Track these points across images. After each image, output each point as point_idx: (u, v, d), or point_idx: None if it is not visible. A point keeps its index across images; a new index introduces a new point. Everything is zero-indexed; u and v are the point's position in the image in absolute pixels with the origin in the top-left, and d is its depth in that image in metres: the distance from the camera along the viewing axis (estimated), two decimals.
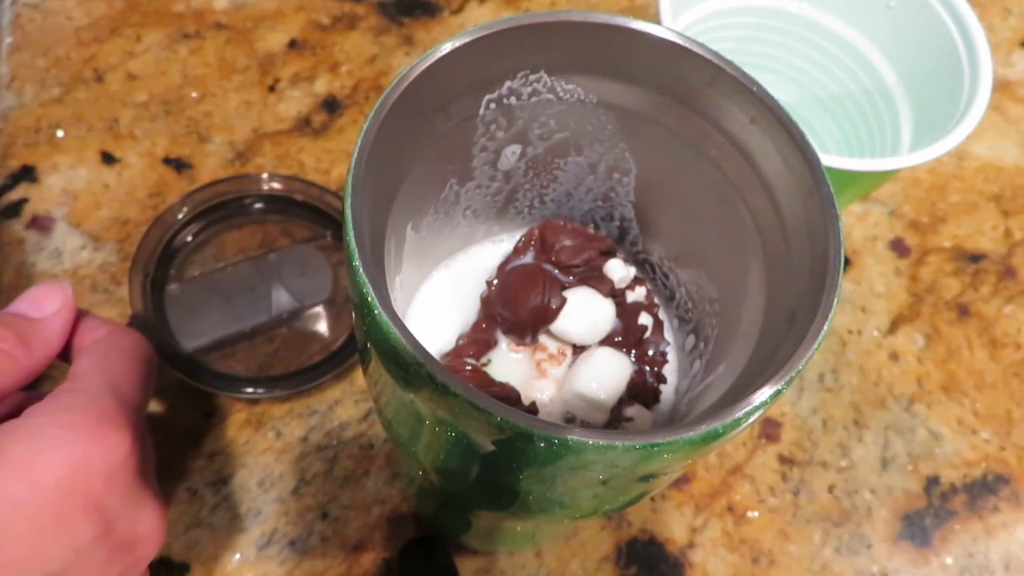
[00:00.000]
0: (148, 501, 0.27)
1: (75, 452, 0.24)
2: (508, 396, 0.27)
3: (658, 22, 0.27)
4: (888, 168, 0.35)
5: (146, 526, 0.27)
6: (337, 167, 0.48)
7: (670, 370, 0.30)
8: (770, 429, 0.43)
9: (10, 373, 0.26)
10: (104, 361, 0.27)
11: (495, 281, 0.30)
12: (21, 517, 0.23)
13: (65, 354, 0.29)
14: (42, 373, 0.28)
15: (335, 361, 0.40)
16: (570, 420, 0.28)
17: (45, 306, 0.28)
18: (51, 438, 0.24)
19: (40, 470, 0.23)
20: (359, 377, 0.41)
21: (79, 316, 0.29)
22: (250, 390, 0.39)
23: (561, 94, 0.26)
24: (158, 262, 0.41)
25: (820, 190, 0.22)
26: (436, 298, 0.31)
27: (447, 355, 0.29)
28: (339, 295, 0.42)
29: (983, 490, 0.43)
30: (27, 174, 0.46)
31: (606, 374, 0.28)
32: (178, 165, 0.47)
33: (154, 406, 0.40)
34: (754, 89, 0.23)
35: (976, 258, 0.50)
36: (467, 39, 0.23)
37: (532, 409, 0.27)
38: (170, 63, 0.51)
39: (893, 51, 0.42)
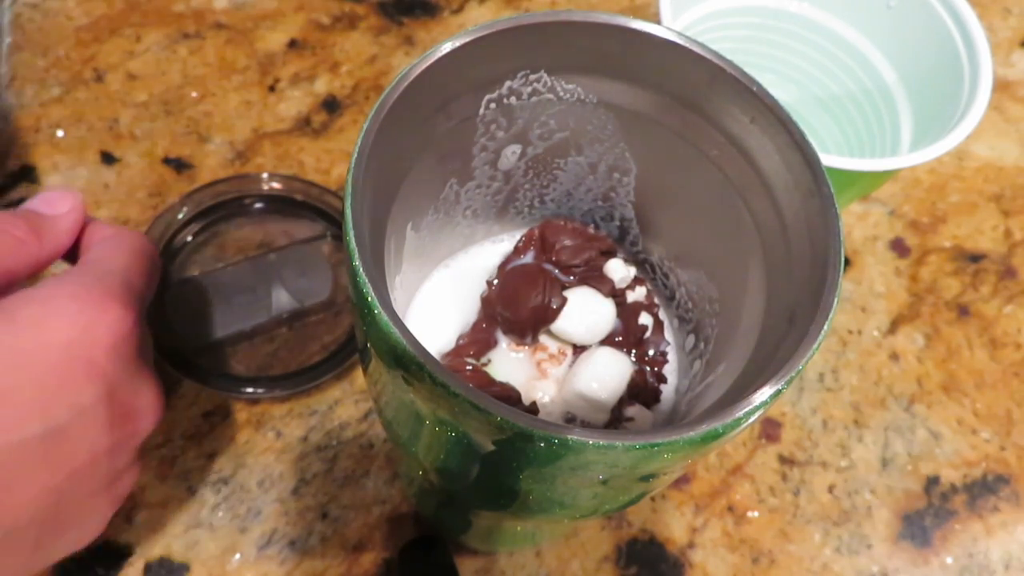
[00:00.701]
0: (147, 379, 0.28)
1: (81, 319, 0.25)
2: (508, 396, 0.27)
3: (658, 22, 0.27)
4: (888, 168, 0.35)
5: (144, 401, 0.28)
6: (337, 167, 0.48)
7: (670, 370, 0.30)
8: (770, 429, 0.43)
9: (21, 258, 0.28)
10: (111, 252, 0.29)
11: (495, 281, 0.30)
12: (29, 372, 0.24)
13: (73, 256, 0.30)
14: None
15: (335, 361, 0.40)
16: (570, 420, 0.28)
17: (57, 206, 0.30)
18: (59, 306, 0.25)
19: (48, 332, 0.25)
20: (359, 377, 0.41)
21: (88, 222, 0.31)
22: (250, 390, 0.39)
23: (561, 94, 0.26)
24: None
25: (820, 190, 0.22)
26: (436, 298, 0.31)
27: (447, 355, 0.29)
28: (339, 295, 0.42)
29: (983, 490, 0.43)
30: (27, 174, 0.46)
31: (607, 374, 0.28)
32: (178, 165, 0.47)
33: None
34: (754, 89, 0.23)
35: (976, 258, 0.50)
36: (467, 39, 0.23)
37: (532, 409, 0.27)
38: (170, 63, 0.51)
39: (893, 51, 0.43)
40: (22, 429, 0.24)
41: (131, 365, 0.27)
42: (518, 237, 0.31)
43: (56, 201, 0.30)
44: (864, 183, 0.38)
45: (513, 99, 0.26)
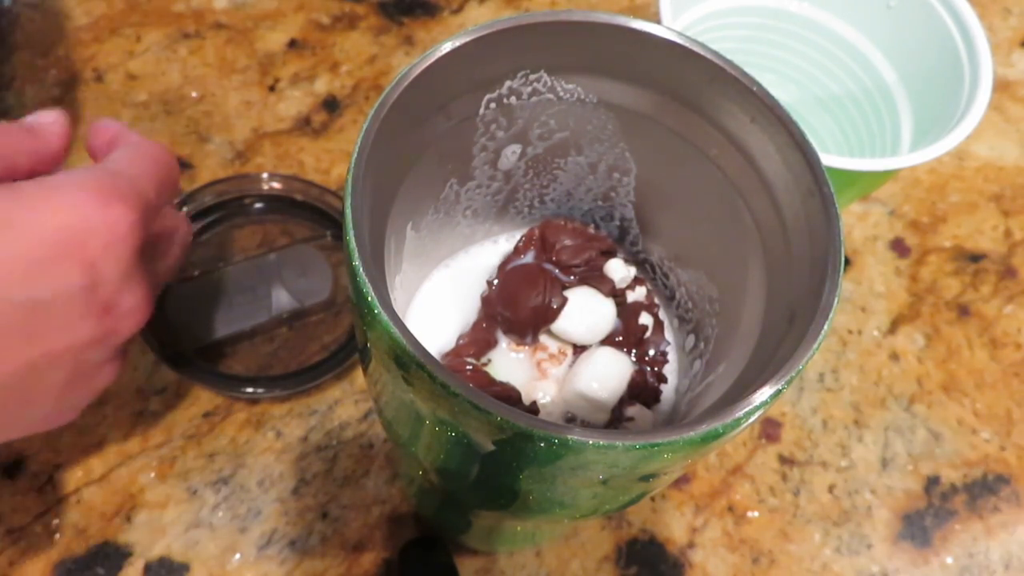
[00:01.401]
0: (139, 282, 0.28)
1: (83, 209, 0.26)
2: (509, 396, 0.27)
3: (658, 22, 0.27)
4: (888, 168, 0.35)
5: (131, 302, 0.28)
6: (337, 167, 0.48)
7: (670, 370, 0.30)
8: (770, 429, 0.43)
9: (15, 151, 0.28)
10: (130, 156, 0.29)
11: (495, 281, 0.30)
12: (20, 242, 0.25)
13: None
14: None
15: (335, 361, 0.40)
16: (571, 420, 0.28)
17: (42, 117, 0.30)
18: (65, 192, 0.26)
19: (47, 212, 0.25)
20: (359, 377, 0.41)
21: (115, 128, 0.32)
22: (250, 390, 0.39)
23: (561, 94, 0.26)
24: None
25: (820, 190, 0.22)
26: (436, 298, 0.31)
27: (447, 355, 0.29)
28: (339, 295, 0.42)
29: (983, 490, 0.43)
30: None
31: (607, 374, 0.28)
32: (178, 165, 0.47)
33: (154, 406, 0.40)
34: (754, 89, 0.23)
35: (976, 258, 0.50)
36: (467, 39, 0.23)
37: (533, 409, 0.27)
38: (170, 63, 0.51)
39: (893, 51, 0.42)
40: (4, 290, 0.24)
41: (123, 265, 0.27)
42: (518, 237, 0.31)
43: (42, 115, 0.30)
44: (864, 183, 0.38)
45: (513, 99, 0.26)
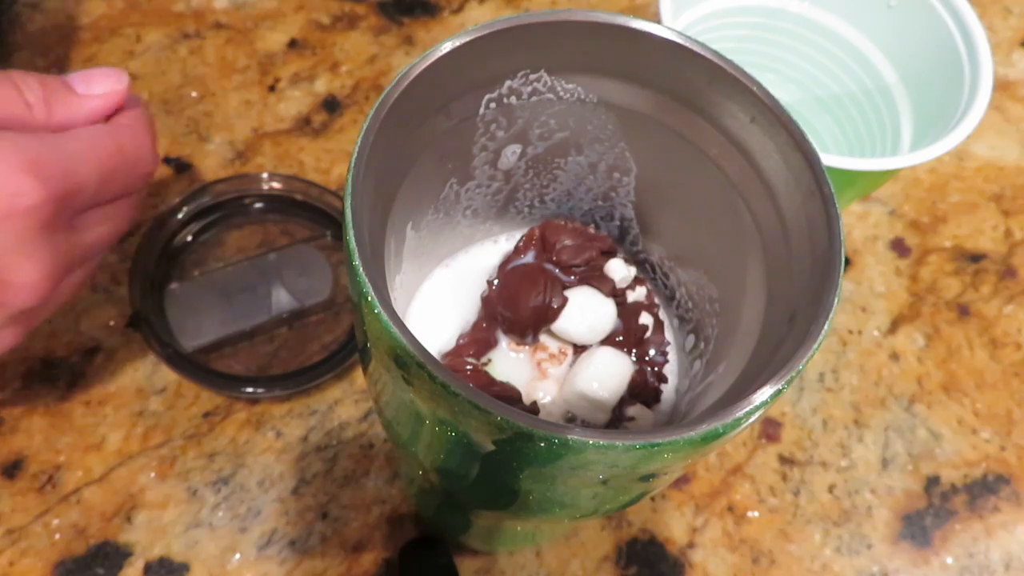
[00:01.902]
0: (41, 260, 0.27)
1: None
2: (509, 396, 0.27)
3: (658, 21, 0.27)
4: (888, 168, 0.35)
5: (25, 278, 0.27)
6: (337, 167, 0.48)
7: (671, 370, 0.30)
8: (770, 429, 0.43)
9: (20, 125, 0.27)
10: (87, 138, 0.28)
11: (496, 281, 0.30)
12: None
13: None
14: None
15: (335, 361, 0.40)
16: (571, 420, 0.28)
17: (94, 85, 0.29)
18: None
19: None
20: (359, 377, 0.41)
21: (117, 96, 0.30)
22: (250, 390, 0.39)
23: (561, 93, 0.26)
24: (158, 262, 0.41)
25: (821, 190, 0.22)
26: (436, 298, 0.31)
27: (447, 355, 0.29)
28: (339, 295, 0.42)
29: (983, 490, 0.43)
30: None
31: (608, 373, 0.28)
32: (178, 165, 0.47)
33: (155, 405, 0.40)
34: (754, 89, 0.23)
35: (976, 258, 0.50)
36: (467, 38, 0.23)
37: (533, 409, 0.27)
38: (170, 63, 0.51)
39: (893, 51, 0.42)
40: None
41: (23, 240, 0.26)
42: (518, 237, 0.31)
43: (95, 80, 0.29)
44: (864, 183, 0.38)
45: (513, 99, 0.26)
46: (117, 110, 0.31)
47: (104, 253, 0.32)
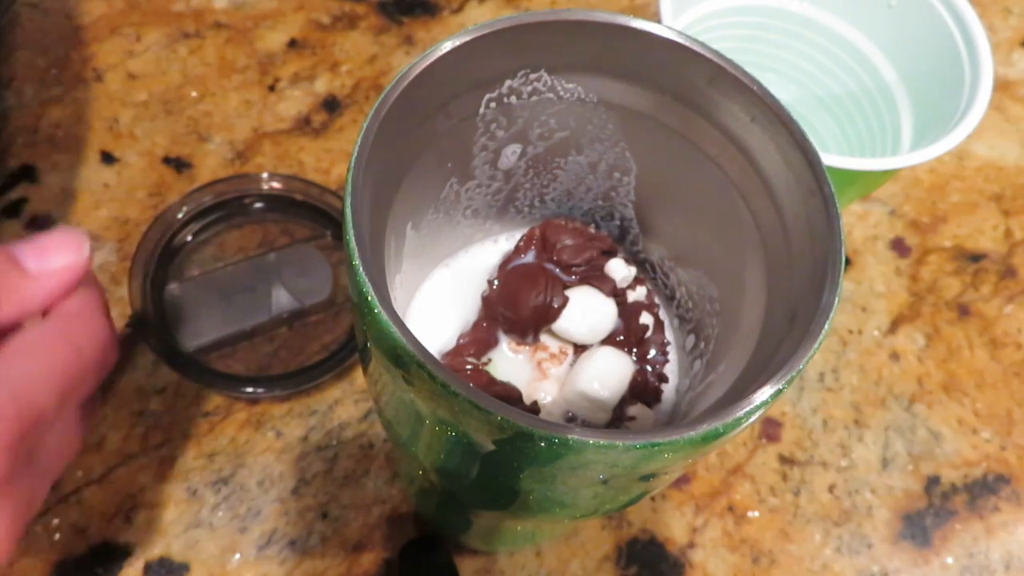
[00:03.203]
0: (5, 519, 0.22)
1: None
2: (509, 395, 0.27)
3: (659, 21, 0.26)
4: (889, 167, 0.35)
5: None
6: (337, 167, 0.48)
7: (671, 369, 0.30)
8: (770, 429, 0.43)
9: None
10: (41, 348, 0.23)
11: (496, 280, 0.30)
12: None
13: None
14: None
15: (335, 361, 0.40)
16: (571, 419, 0.28)
17: (50, 258, 0.24)
18: None
19: None
20: (359, 377, 0.41)
21: (75, 271, 0.25)
22: (250, 390, 0.39)
23: (561, 93, 0.26)
24: (158, 262, 0.41)
25: (821, 189, 0.22)
26: (436, 297, 0.31)
27: (448, 355, 0.29)
28: (339, 295, 0.42)
29: (983, 490, 0.43)
30: (27, 174, 0.46)
31: (609, 373, 0.28)
32: (178, 165, 0.47)
33: (155, 405, 0.40)
34: (755, 88, 0.23)
35: (976, 258, 0.50)
36: (467, 38, 0.23)
37: (533, 409, 0.27)
38: (170, 63, 0.51)
39: (894, 50, 0.42)
40: None
41: None
42: (518, 236, 0.31)
43: (51, 252, 0.24)
44: (865, 182, 0.38)
45: (513, 98, 0.26)
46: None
47: (63, 471, 0.27)
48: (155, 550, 0.37)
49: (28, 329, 0.24)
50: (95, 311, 0.25)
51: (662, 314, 0.31)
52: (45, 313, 0.25)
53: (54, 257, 0.24)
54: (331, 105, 0.50)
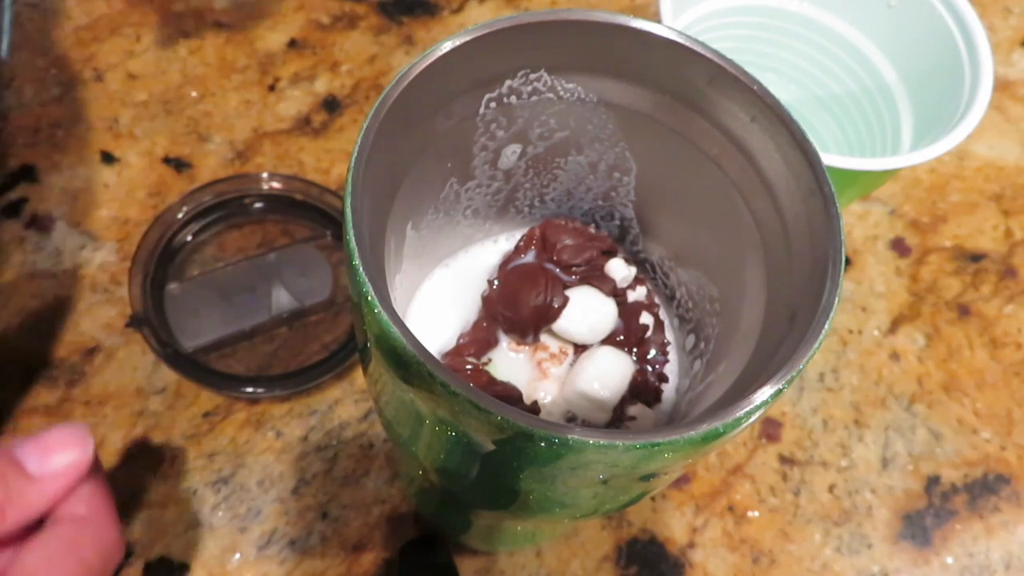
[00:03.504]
0: None
1: None
2: (509, 395, 0.27)
3: (659, 21, 0.26)
4: (889, 167, 0.35)
5: None
6: (337, 167, 0.48)
7: (671, 369, 0.30)
8: (770, 429, 0.43)
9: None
10: (47, 562, 0.22)
11: (496, 280, 0.30)
12: None
13: None
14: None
15: (335, 361, 0.40)
16: (571, 419, 0.28)
17: (54, 459, 0.23)
18: None
19: None
20: (359, 377, 0.41)
21: (77, 471, 0.24)
22: (250, 390, 0.39)
23: (561, 93, 0.26)
24: (158, 262, 0.41)
25: (821, 189, 0.22)
26: (436, 297, 0.31)
27: (448, 354, 0.29)
28: (339, 295, 0.42)
29: (984, 490, 0.43)
30: (27, 174, 0.46)
31: (609, 373, 0.28)
32: (178, 165, 0.47)
33: (155, 405, 0.40)
34: (755, 88, 0.23)
35: (977, 258, 0.50)
36: (467, 38, 0.23)
37: (533, 408, 0.27)
38: (170, 63, 0.51)
39: (893, 50, 0.42)
40: None
41: None
42: (518, 236, 0.31)
43: (53, 451, 0.23)
44: (865, 182, 0.38)
45: (513, 98, 0.26)
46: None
47: None
48: (155, 550, 0.37)
49: (33, 549, 0.23)
50: (101, 513, 0.24)
51: (662, 314, 0.31)
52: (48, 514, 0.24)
53: (57, 456, 0.23)
54: (331, 105, 0.50)
